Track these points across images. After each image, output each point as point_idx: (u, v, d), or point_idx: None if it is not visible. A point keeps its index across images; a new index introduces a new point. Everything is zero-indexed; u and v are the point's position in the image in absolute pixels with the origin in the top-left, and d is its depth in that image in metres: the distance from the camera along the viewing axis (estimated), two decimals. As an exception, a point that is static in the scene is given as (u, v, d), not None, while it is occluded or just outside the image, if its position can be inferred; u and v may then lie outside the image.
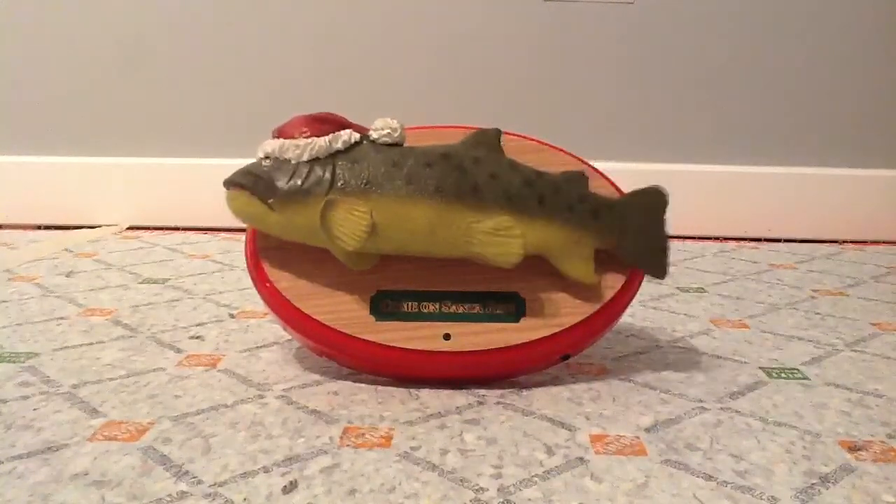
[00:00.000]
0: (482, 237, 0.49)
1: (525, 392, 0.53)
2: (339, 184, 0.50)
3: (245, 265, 0.56)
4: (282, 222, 0.51)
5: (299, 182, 0.50)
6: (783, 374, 0.57)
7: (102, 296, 0.77)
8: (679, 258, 1.01)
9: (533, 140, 0.57)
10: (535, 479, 0.40)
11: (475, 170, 0.51)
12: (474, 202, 0.50)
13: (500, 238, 0.49)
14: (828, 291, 0.84)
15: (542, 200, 0.51)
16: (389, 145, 0.52)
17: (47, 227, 1.21)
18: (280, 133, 0.52)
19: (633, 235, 0.54)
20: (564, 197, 0.52)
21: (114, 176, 1.21)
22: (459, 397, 0.51)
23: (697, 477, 0.41)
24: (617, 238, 0.53)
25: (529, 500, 0.38)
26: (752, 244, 1.15)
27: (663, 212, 0.55)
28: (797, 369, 0.58)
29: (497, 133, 0.53)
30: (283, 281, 0.53)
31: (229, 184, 0.52)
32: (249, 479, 0.40)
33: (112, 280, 0.84)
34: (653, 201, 0.54)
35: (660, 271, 0.54)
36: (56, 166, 1.21)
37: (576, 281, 0.53)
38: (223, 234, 1.15)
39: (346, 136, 0.51)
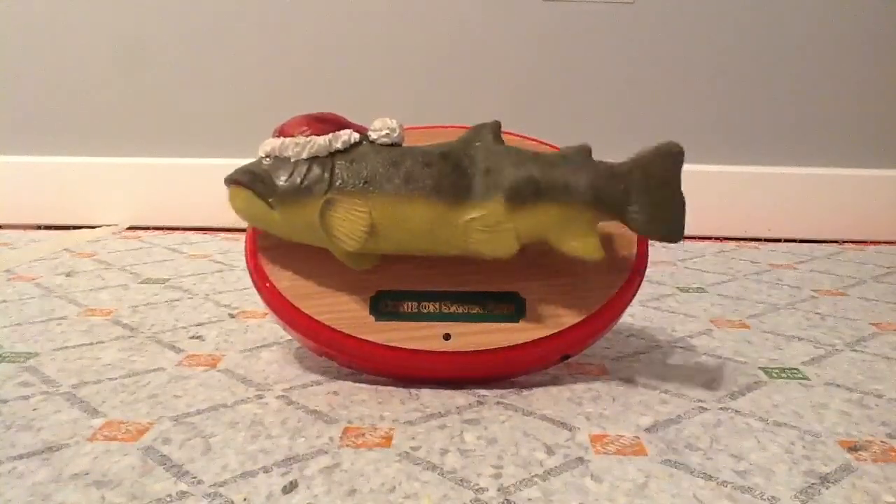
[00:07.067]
0: (476, 234, 0.49)
1: (525, 392, 0.53)
2: (337, 183, 0.50)
3: (245, 265, 0.56)
4: (281, 221, 0.51)
5: (298, 180, 0.50)
6: (783, 374, 0.57)
7: (102, 296, 0.77)
8: (679, 258, 1.01)
9: (533, 140, 0.57)
10: (535, 479, 0.40)
11: (472, 168, 0.51)
12: (470, 200, 0.50)
13: (493, 234, 0.49)
14: (828, 291, 0.84)
15: (537, 185, 0.50)
16: (388, 145, 0.52)
17: (47, 227, 1.21)
18: (280, 132, 0.52)
19: (642, 199, 0.50)
20: (560, 175, 0.50)
21: (114, 176, 1.21)
22: (459, 397, 0.51)
23: (697, 477, 0.41)
24: (622, 206, 0.50)
25: (529, 500, 0.38)
26: (752, 244, 1.15)
27: (678, 168, 0.51)
28: (797, 369, 0.58)
29: (496, 125, 0.53)
30: (283, 281, 0.53)
31: (230, 181, 0.52)
32: (249, 479, 0.40)
33: (112, 280, 0.84)
34: (665, 158, 0.51)
35: (674, 234, 0.51)
36: (56, 166, 1.21)
37: (581, 258, 0.51)
38: (223, 234, 1.15)
39: (346, 135, 0.51)
